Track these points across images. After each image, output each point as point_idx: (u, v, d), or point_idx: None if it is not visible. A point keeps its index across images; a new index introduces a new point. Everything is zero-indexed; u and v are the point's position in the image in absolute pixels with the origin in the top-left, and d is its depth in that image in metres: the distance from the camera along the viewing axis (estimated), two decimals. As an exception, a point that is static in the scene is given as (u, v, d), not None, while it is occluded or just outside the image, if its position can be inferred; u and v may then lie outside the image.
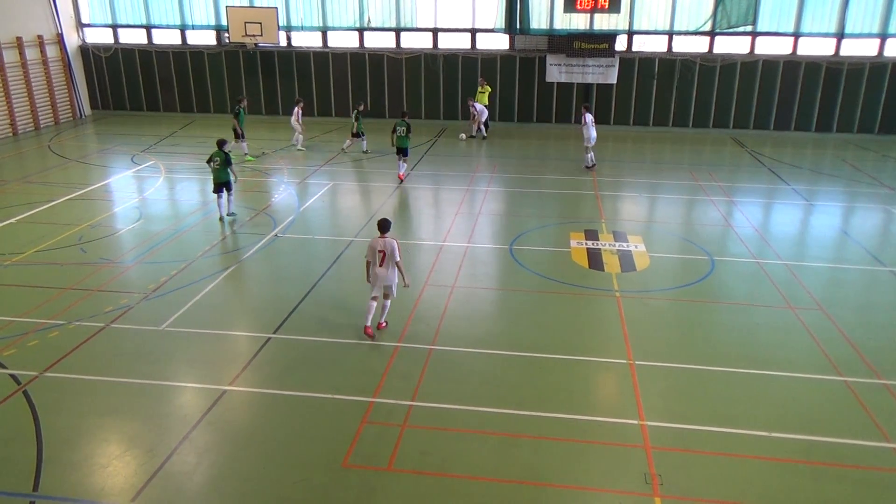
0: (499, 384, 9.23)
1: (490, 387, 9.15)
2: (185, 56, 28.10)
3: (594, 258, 13.69)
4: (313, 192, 18.10)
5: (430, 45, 27.11)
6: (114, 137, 24.61)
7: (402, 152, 18.70)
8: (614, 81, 26.02)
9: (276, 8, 26.33)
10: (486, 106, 25.36)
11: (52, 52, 26.60)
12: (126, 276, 12.62)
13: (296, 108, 22.43)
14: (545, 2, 25.55)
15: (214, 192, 15.42)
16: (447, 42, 27.09)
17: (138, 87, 28.74)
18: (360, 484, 7.28)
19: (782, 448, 7.93)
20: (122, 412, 8.53)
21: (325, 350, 10.04)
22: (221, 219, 15.48)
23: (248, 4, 26.82)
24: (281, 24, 26.69)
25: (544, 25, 25.94)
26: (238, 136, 20.82)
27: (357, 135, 21.96)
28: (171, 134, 25.21)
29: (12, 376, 9.18)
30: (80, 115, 28.21)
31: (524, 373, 9.53)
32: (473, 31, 26.75)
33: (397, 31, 26.99)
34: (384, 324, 10.61)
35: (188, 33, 28.07)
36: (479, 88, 25.78)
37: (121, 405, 8.67)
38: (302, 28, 27.24)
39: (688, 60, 25.76)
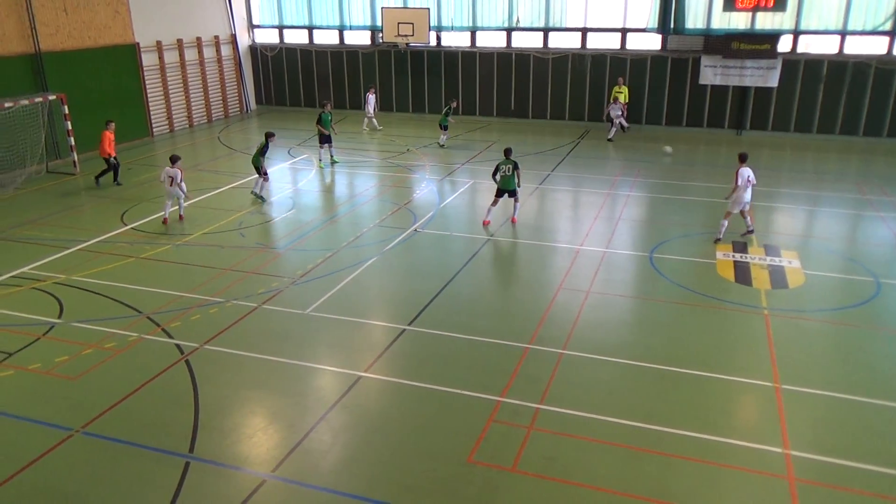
0: (628, 395, 8.99)
1: (619, 397, 8.93)
2: (341, 55, 29.58)
3: (741, 272, 12.93)
4: (454, 190, 18.45)
5: (578, 44, 26.73)
6: (274, 131, 26.35)
7: (511, 194, 15.45)
8: (775, 85, 24.32)
9: (428, 8, 27.04)
10: (623, 104, 24.92)
11: (225, 51, 28.95)
12: (278, 261, 13.54)
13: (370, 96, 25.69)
14: (703, 0, 24.36)
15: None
16: (596, 42, 26.58)
17: (298, 85, 30.61)
18: (484, 481, 7.38)
19: (951, 497, 7.12)
20: (268, 387, 9.18)
21: (457, 345, 10.24)
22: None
23: (402, 5, 27.77)
24: (432, 24, 27.38)
25: (700, 25, 24.73)
26: (323, 140, 20.50)
27: (443, 127, 23.13)
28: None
29: (177, 346, 10.16)
30: (247, 109, 30.50)
31: (656, 386, 9.21)
32: (624, 31, 26.04)
33: (545, 30, 26.83)
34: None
35: (346, 34, 29.53)
36: (617, 87, 25.13)
37: (267, 381, 9.34)
38: (452, 28, 27.80)
39: (861, 63, 23.58)
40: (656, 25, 24.80)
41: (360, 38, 29.51)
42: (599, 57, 26.34)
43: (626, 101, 25.28)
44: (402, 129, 26.71)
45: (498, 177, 15.31)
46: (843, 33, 23.59)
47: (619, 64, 26.09)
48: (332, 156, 20.99)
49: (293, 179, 19.75)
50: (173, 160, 15.35)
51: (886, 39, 23.33)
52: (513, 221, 15.65)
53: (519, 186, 15.46)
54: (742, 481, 7.39)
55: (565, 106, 27.30)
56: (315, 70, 30.13)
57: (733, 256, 13.65)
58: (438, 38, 28.24)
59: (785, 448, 7.87)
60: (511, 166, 15.17)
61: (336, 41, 29.76)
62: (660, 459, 7.72)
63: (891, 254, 14.00)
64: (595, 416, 8.47)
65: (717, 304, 11.63)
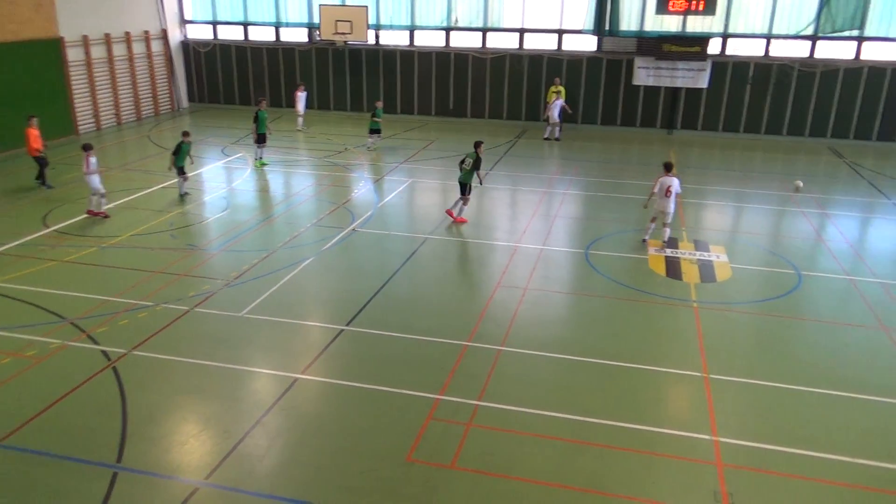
0: (566, 389, 9.12)
1: (557, 391, 9.05)
2: (277, 53, 29.08)
3: (672, 267, 13.31)
4: (392, 189, 18.38)
5: (516, 45, 27.01)
6: (207, 129, 25.72)
7: (462, 188, 15.48)
8: (705, 86, 25.15)
9: (367, 7, 26.86)
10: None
11: (156, 47, 28.06)
12: (211, 262, 13.19)
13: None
14: (636, 3, 24.96)
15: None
16: (533, 43, 26.92)
17: (233, 82, 29.95)
18: (424, 479, 7.36)
19: (866, 475, 7.49)
20: (201, 393, 8.93)
21: (395, 345, 10.19)
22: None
23: (339, 3, 27.50)
24: (370, 22, 27.21)
25: (634, 27, 25.36)
26: (258, 139, 19.94)
27: (373, 132, 22.41)
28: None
29: (103, 352, 9.77)
30: (178, 107, 29.66)
31: (593, 379, 9.38)
32: (560, 32, 26.46)
33: (483, 30, 27.02)
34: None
35: (282, 30, 29.05)
36: (554, 87, 25.53)
37: (200, 386, 9.08)
38: (391, 27, 27.69)
39: (785, 65, 24.63)
40: (592, 27, 25.30)
41: (296, 36, 29.08)
42: (537, 57, 26.69)
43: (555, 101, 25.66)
44: (340, 127, 26.46)
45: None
46: (769, 37, 24.57)
47: (556, 64, 26.50)
48: (260, 157, 20.30)
49: (227, 179, 19.30)
50: (85, 148, 15.35)
51: (808, 43, 24.40)
52: (447, 214, 15.73)
53: (479, 184, 15.88)
54: (673, 469, 7.60)
55: (503, 105, 27.56)
56: (250, 67, 29.54)
57: (665, 252, 14.02)
58: (377, 37, 28.09)
59: (713, 435, 8.13)
60: (472, 160, 15.36)
61: (272, 38, 29.25)
62: (596, 451, 7.86)
63: (811, 247, 14.65)
64: (533, 411, 8.56)
65: (649, 299, 11.93)
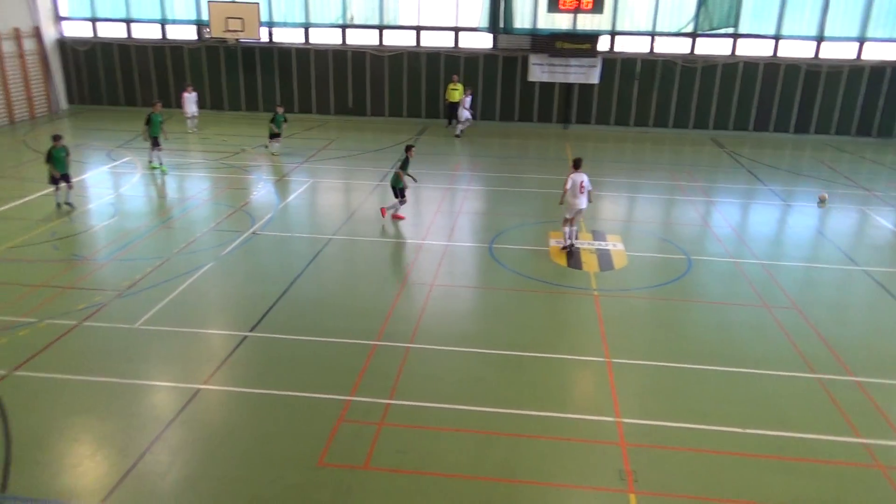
0: (476, 382, 9.23)
1: (467, 385, 9.14)
2: (164, 51, 27.82)
3: (573, 257, 13.73)
4: (292, 190, 17.99)
5: (413, 43, 27.06)
6: (90, 132, 24.28)
7: (394, 192, 15.64)
8: (597, 81, 26.13)
9: (258, 3, 26.12)
10: (455, 103, 25.62)
11: (28, 45, 26.20)
12: (100, 273, 12.45)
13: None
14: (528, 1, 25.60)
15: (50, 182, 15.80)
16: (430, 40, 27.06)
17: (116, 82, 28.41)
18: (336, 483, 7.24)
19: (755, 444, 8.00)
20: (94, 411, 8.41)
21: (302, 348, 9.98)
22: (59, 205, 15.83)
23: None
24: (263, 19, 26.49)
25: (527, 25, 25.99)
26: (153, 142, 19.05)
27: (274, 136, 21.20)
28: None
29: (-19, 374, 9.02)
30: (57, 109, 27.83)
31: (502, 371, 9.54)
32: (456, 30, 26.74)
33: (380, 28, 26.91)
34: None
35: (168, 28, 27.80)
36: (452, 85, 25.83)
37: (93, 404, 8.55)
38: (284, 24, 27.07)
39: (669, 61, 25.94)
40: (487, 25, 25.71)
41: (184, 33, 27.91)
42: (434, 55, 26.85)
43: (456, 100, 26.06)
44: (235, 128, 25.63)
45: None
46: (653, 34, 25.79)
47: (454, 62, 26.76)
48: (151, 160, 19.41)
49: (114, 184, 18.27)
50: None
51: (689, 40, 25.79)
52: (381, 212, 15.78)
53: (403, 187, 15.56)
54: (580, 452, 7.84)
55: (403, 103, 27.57)
56: (135, 67, 28.10)
57: (573, 247, 14.44)
58: (270, 35, 27.39)
59: (617, 417, 8.45)
60: (400, 163, 15.61)
61: (158, 36, 27.93)
62: (508, 441, 7.99)
63: (699, 233, 15.50)
64: (445, 406, 8.60)
65: (552, 289, 12.26)
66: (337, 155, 21.88)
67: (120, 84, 28.40)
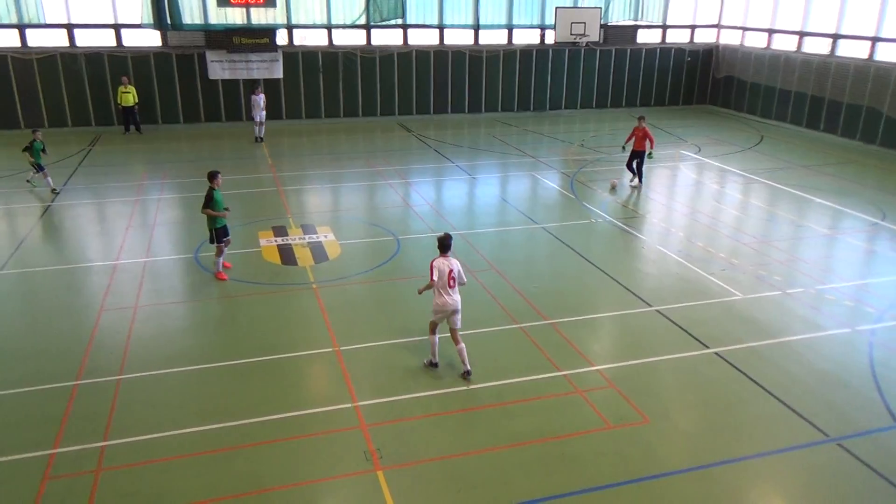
0: (204, 400, 8.63)
1: (194, 405, 8.51)
2: None
3: (286, 254, 13.51)
4: (-65, 224, 14.87)
5: (66, 42, 23.96)
6: None
7: (213, 237, 12.27)
8: (281, 76, 25.88)
9: None
10: (131, 107, 23.83)
11: None
12: None
13: None
14: (195, -5, 24.30)
15: None
16: (87, 39, 24.21)
17: None
18: (51, 552, 6.22)
19: (478, 397, 8.73)
20: None
21: (-20, 408, 8.34)
22: None
23: None
24: None
25: (198, 20, 24.66)
26: None
27: (37, 167, 17.33)
28: None
29: None
30: None
31: (230, 383, 9.04)
32: (117, 27, 24.30)
33: (20, 27, 23.31)
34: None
35: None
36: (123, 88, 23.65)
37: None
38: None
39: (349, 53, 26.70)
40: (152, 21, 23.82)
41: None
42: (95, 56, 24.12)
43: (136, 101, 23.97)
44: None
45: None
46: (329, 27, 26.27)
47: (120, 63, 24.35)
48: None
49: None
50: None
51: (364, 32, 26.80)
52: (219, 277, 12.25)
53: (219, 227, 12.16)
54: (324, 444, 7.80)
55: (64, 111, 24.38)
56: None
57: (276, 241, 14.16)
58: None
59: (354, 402, 8.57)
60: (203, 201, 11.99)
61: None
62: (248, 452, 7.61)
63: (402, 213, 16.33)
64: (172, 433, 7.89)
65: (270, 290, 11.93)
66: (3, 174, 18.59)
67: None
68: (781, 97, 27.27)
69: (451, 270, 8.94)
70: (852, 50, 24.49)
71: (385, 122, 27.48)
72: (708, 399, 8.84)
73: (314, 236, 14.50)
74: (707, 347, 10.03)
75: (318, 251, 13.70)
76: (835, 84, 24.88)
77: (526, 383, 9.00)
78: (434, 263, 8.99)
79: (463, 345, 9.13)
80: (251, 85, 24.81)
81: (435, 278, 8.97)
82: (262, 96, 23.40)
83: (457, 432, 8.04)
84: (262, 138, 23.55)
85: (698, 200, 17.59)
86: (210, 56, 24.91)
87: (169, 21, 24.01)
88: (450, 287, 8.93)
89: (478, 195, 18.27)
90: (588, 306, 11.38)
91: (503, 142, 24.26)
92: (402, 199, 17.48)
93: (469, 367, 9.10)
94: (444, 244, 9.06)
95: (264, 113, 23.34)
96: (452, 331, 9.14)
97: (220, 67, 25.19)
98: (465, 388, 8.90)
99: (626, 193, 17.92)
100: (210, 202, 11.85)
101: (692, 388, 9.09)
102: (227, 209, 12.25)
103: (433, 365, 9.32)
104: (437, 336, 9.26)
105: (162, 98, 25.17)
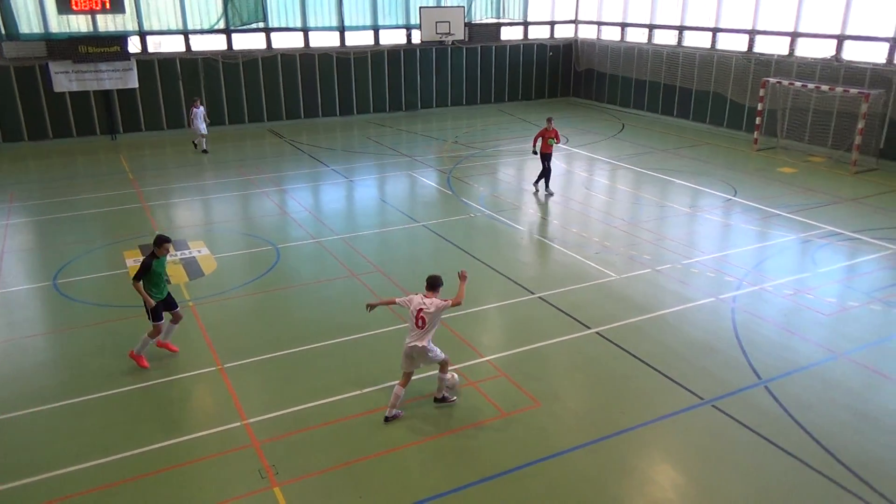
0: (78, 437, 7.98)
1: (66, 443, 7.84)
2: None
3: (157, 272, 12.75)
4: None
5: None
6: None
7: (148, 314, 9.50)
8: (136, 85, 24.41)
9: None
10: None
11: None
12: None
13: None
14: (32, 3, 22.41)
15: None
16: None
17: None
18: None
19: (373, 399, 8.63)
20: None
21: None
22: None
23: None
24: None
25: (37, 29, 22.79)
26: None
27: None
28: None
29: None
30: None
31: (106, 415, 8.42)
32: (-57, 39, 22.00)
33: None
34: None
35: None
36: None
37: None
38: None
39: (210, 59, 25.61)
40: (-18, 31, 21.77)
41: None
42: (-82, 71, 21.71)
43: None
44: None
45: None
46: (186, 32, 25.07)
47: (-52, 77, 22.05)
48: None
49: None
50: None
51: (224, 37, 25.79)
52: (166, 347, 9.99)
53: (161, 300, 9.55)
54: (217, 467, 7.43)
55: None
56: None
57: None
58: None
59: (243, 419, 8.22)
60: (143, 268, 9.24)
61: None
62: (132, 486, 7.12)
63: (279, 222, 15.87)
64: (47, 476, 7.24)
65: (142, 312, 11.20)
66: None
67: None
68: (637, 87, 28.96)
69: (420, 309, 7.99)
70: (696, 40, 26.42)
71: (254, 129, 26.60)
72: (593, 377, 9.21)
73: (186, 252, 13.79)
74: (588, 328, 10.46)
75: (191, 267, 13.04)
76: (684, 73, 26.74)
77: (420, 381, 8.99)
78: (410, 297, 8.22)
79: (446, 375, 8.34)
80: (104, 96, 23.18)
81: (398, 301, 8.25)
82: (203, 108, 22.25)
83: (354, 438, 7.90)
84: (206, 150, 22.53)
85: (570, 188, 18.32)
86: (54, 67, 23.08)
87: (3, 31, 22.03)
88: (416, 326, 8.01)
89: (356, 198, 18.08)
90: (474, 299, 11.55)
91: (378, 143, 24.17)
92: (279, 206, 16.98)
93: (443, 395, 8.47)
94: (429, 283, 8.22)
95: (205, 125, 22.31)
96: (418, 364, 8.22)
97: (66, 79, 23.39)
98: (358, 392, 8.77)
99: (535, 200, 18.34)
100: (145, 272, 9.14)
101: (578, 369, 9.45)
102: (168, 281, 9.62)
103: (388, 419, 8.15)
104: (402, 387, 8.13)
105: (3, 115, 23.04)
